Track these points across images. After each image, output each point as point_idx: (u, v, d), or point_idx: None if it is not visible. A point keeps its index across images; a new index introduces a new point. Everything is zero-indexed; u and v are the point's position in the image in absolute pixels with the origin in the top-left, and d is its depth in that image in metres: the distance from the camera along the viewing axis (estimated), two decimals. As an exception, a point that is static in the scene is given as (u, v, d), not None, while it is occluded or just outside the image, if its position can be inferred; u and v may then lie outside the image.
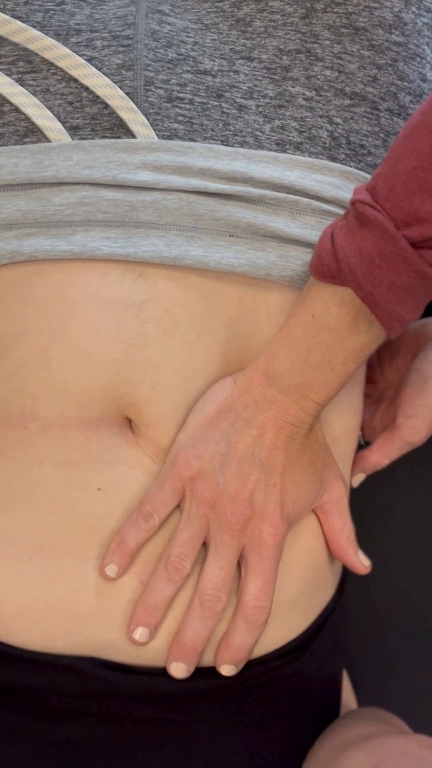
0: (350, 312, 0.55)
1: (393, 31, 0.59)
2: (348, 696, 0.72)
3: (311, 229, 0.58)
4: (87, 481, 0.57)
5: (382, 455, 0.66)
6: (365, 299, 0.53)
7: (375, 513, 0.84)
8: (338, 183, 0.59)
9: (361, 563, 0.63)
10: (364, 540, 0.64)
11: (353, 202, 0.54)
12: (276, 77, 0.59)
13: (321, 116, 0.59)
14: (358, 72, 0.59)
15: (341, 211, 0.59)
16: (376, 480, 0.72)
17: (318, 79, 0.60)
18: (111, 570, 0.57)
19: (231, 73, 0.59)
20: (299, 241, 0.58)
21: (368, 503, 0.78)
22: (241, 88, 0.59)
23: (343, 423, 0.63)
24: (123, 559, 0.57)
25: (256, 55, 0.59)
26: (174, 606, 0.58)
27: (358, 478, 0.67)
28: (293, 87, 0.59)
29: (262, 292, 0.59)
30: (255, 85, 0.59)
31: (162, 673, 0.58)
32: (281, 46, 0.59)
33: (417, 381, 0.65)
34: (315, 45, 0.59)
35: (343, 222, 0.54)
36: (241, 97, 0.59)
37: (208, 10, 0.61)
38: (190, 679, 0.58)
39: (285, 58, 0.59)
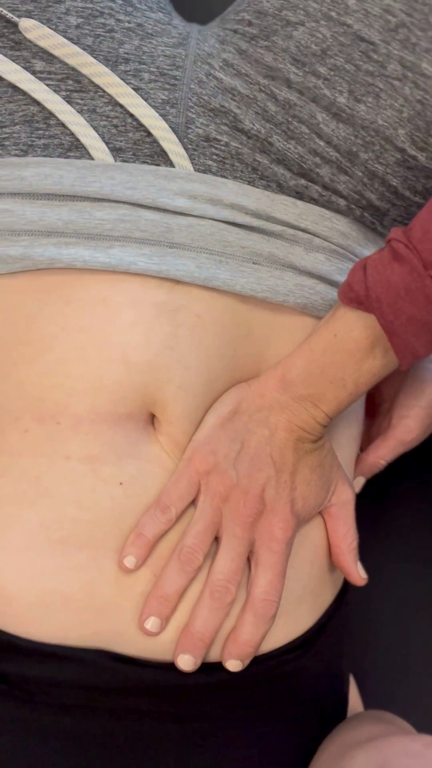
0: (370, 337, 0.59)
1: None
2: (354, 700, 0.71)
3: (321, 265, 0.64)
4: (110, 476, 0.59)
5: (377, 456, 0.70)
6: (385, 327, 0.57)
7: (380, 516, 0.85)
8: (345, 231, 0.65)
9: (359, 574, 0.64)
10: (367, 542, 0.66)
11: (389, 240, 0.58)
12: (301, 171, 0.64)
13: (336, 210, 0.65)
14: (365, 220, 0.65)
15: (348, 253, 0.65)
16: (379, 485, 0.74)
17: (339, 186, 0.65)
18: (129, 561, 0.58)
19: (265, 141, 0.63)
20: (312, 273, 0.64)
21: (372, 508, 0.79)
22: (273, 155, 0.64)
23: (347, 431, 0.67)
24: (141, 550, 0.58)
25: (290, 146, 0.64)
26: (185, 601, 0.59)
27: (359, 482, 0.70)
28: (311, 184, 0.64)
29: (279, 312, 0.63)
30: (284, 158, 0.64)
31: (170, 667, 0.58)
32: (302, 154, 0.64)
33: (413, 384, 0.70)
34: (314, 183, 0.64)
35: (377, 255, 0.59)
36: (274, 154, 0.64)
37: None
38: (196, 673, 0.58)
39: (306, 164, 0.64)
